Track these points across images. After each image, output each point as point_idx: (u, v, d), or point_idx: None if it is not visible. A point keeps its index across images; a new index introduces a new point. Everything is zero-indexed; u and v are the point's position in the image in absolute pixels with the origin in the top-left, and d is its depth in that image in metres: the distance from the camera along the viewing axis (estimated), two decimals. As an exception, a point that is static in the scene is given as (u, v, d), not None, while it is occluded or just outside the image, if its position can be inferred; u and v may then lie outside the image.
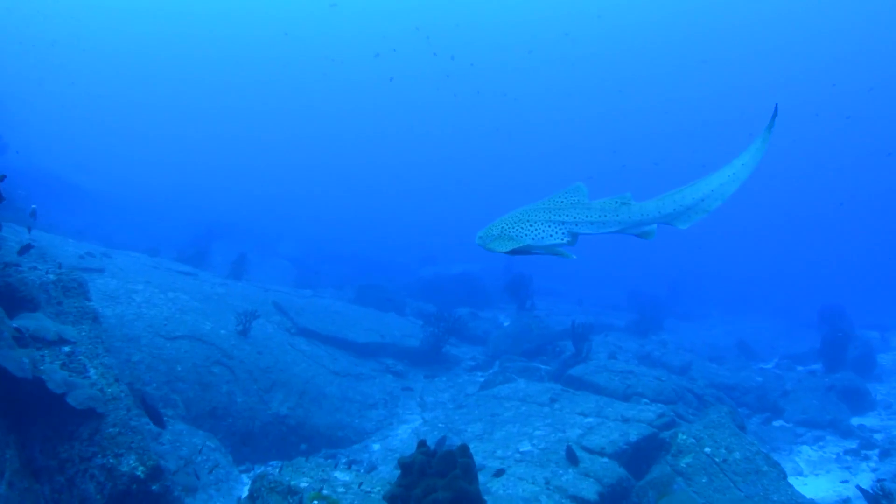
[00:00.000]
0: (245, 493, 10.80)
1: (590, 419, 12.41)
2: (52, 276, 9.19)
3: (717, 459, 10.60)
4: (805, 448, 15.55)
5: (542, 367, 18.31)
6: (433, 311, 22.04)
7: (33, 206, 13.69)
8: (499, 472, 10.24)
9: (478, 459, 11.16)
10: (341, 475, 7.39)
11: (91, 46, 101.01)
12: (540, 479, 9.85)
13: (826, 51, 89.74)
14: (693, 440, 11.02)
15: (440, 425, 13.38)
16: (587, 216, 5.67)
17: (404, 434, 13.71)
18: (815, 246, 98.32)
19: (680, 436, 11.16)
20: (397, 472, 11.44)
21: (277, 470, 7.46)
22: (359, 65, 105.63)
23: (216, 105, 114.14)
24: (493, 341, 20.60)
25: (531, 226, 5.66)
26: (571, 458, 10.32)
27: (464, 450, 6.41)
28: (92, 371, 7.90)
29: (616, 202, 5.65)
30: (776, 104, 5.23)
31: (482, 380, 17.29)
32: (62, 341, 8.05)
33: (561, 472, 10.12)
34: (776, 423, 17.24)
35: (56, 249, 15.70)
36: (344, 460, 12.56)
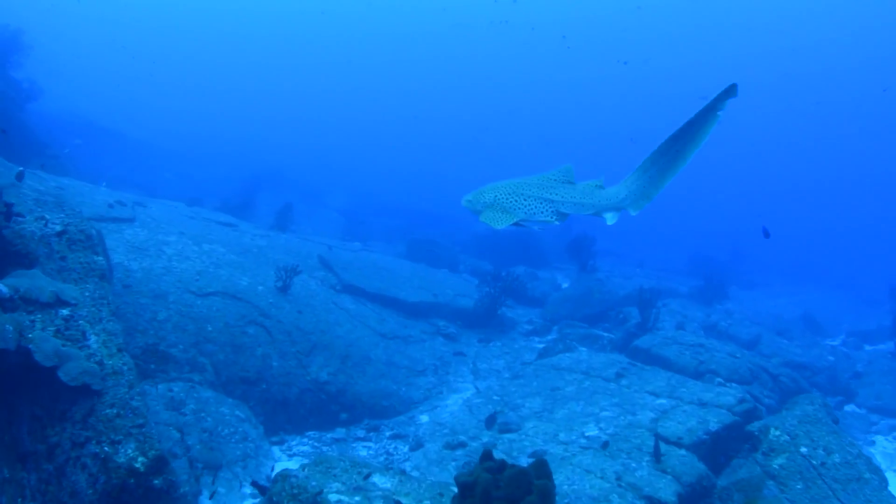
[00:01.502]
0: (273, 470, 9.73)
1: (662, 400, 11.07)
2: (56, 227, 7.99)
3: (814, 462, 9.11)
4: (879, 438, 14.04)
5: (605, 334, 16.96)
6: (489, 270, 20.78)
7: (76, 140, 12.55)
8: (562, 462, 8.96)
9: (538, 443, 9.92)
10: (381, 480, 6.04)
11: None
12: (610, 474, 8.52)
13: None
14: (787, 437, 9.54)
15: (494, 397, 12.09)
16: (572, 197, 5.83)
17: (455, 405, 12.47)
18: (884, 216, 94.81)
19: (772, 431, 9.67)
20: (447, 454, 10.36)
21: (301, 469, 6.15)
22: (414, 13, 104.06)
23: (266, 57, 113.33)
24: (551, 304, 19.21)
25: (525, 201, 5.78)
26: (657, 455, 8.90)
27: (541, 467, 5.02)
28: (92, 339, 6.70)
29: (593, 186, 5.87)
30: (735, 84, 4.95)
31: (540, 346, 16.00)
32: (60, 303, 6.86)
33: (634, 465, 8.78)
34: (848, 409, 15.70)
35: (83, 197, 14.63)
36: (388, 433, 11.41)
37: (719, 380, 13.25)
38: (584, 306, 18.66)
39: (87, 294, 7.24)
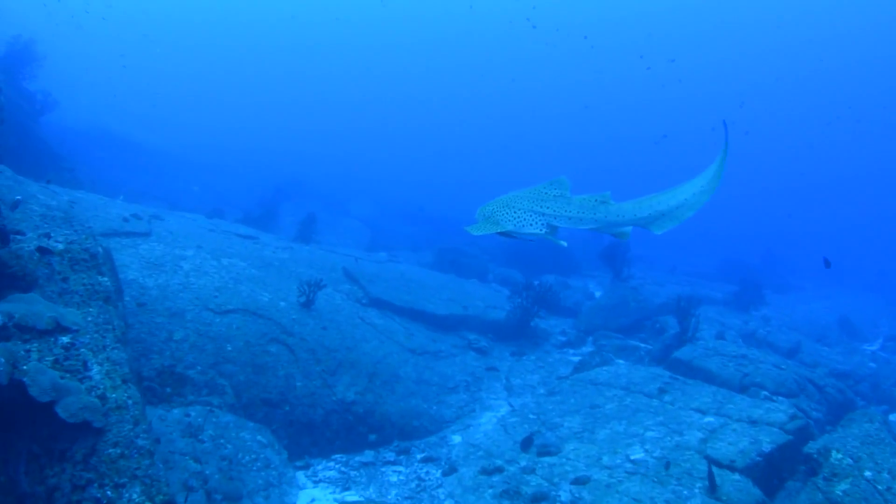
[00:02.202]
0: (297, 499, 9.12)
1: (709, 418, 10.35)
2: (59, 246, 7.38)
3: (879, 487, 8.29)
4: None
5: (642, 345, 16.27)
6: (519, 279, 20.12)
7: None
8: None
9: (580, 467, 9.23)
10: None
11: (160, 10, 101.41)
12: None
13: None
14: (850, 461, 8.71)
15: (530, 416, 11.41)
16: (566, 211, 5.71)
17: (489, 424, 11.81)
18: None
19: (834, 454, 8.85)
20: (483, 480, 9.68)
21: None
22: (436, 17, 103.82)
23: (291, 67, 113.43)
24: (585, 314, 18.51)
25: (514, 213, 5.70)
26: (711, 484, 8.16)
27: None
28: (94, 369, 6.08)
29: (595, 200, 5.69)
30: (724, 120, 5.17)
31: (575, 359, 15.32)
32: (60, 329, 6.24)
33: (686, 492, 8.09)
34: (892, 418, 14.86)
35: (97, 211, 14.09)
36: (419, 456, 10.79)
37: (765, 393, 12.49)
38: (619, 316, 17.95)
39: (90, 319, 6.63)
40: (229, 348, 10.76)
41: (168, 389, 9.80)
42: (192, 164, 48.27)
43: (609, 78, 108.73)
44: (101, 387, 5.95)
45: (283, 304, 12.61)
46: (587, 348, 16.44)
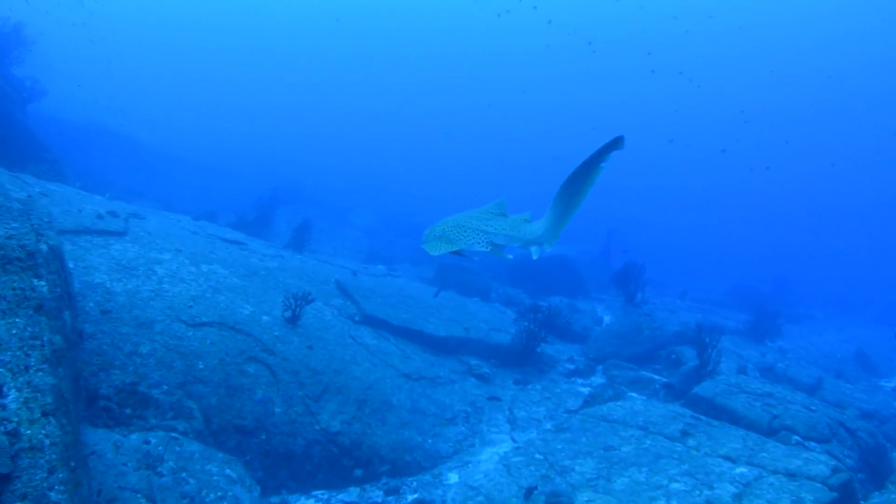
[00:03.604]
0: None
1: (741, 468, 9.10)
2: (-10, 240, 6.13)
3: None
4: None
5: (656, 377, 14.98)
6: (525, 300, 18.89)
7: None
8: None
9: (596, 526, 7.99)
10: None
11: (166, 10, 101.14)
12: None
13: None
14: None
15: (537, 455, 10.12)
16: (503, 229, 5.90)
17: (489, 462, 10.53)
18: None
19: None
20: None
21: None
22: (446, 29, 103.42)
23: (297, 72, 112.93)
24: (595, 341, 17.21)
25: (465, 232, 5.92)
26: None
27: None
28: (11, 395, 4.84)
29: (520, 220, 5.92)
30: (621, 136, 4.76)
31: (584, 390, 14.08)
32: (-29, 344, 5.01)
33: (723, 565, 6.84)
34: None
35: (69, 206, 12.87)
36: (410, 497, 9.50)
37: (797, 438, 11.22)
38: (631, 344, 16.67)
39: (14, 332, 5.37)
40: (201, 366, 9.50)
41: (128, 411, 8.54)
42: (191, 164, 47.20)
43: (613, 81, 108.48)
44: (15, 419, 4.71)
45: (265, 318, 11.34)
46: (597, 378, 15.18)
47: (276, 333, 10.98)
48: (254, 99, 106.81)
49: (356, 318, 13.91)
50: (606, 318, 21.59)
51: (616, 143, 4.78)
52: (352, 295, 14.91)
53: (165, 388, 8.97)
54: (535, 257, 5.88)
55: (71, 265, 10.33)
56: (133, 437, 8.08)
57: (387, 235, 36.66)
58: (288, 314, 11.63)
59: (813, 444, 11.02)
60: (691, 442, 10.13)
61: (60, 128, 34.51)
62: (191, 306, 10.65)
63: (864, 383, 19.17)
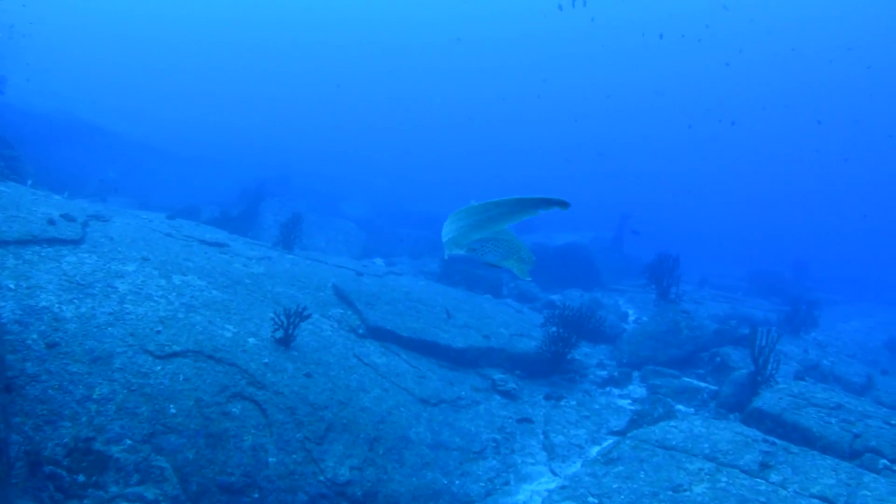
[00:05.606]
0: None
1: (841, 515, 7.33)
2: None
3: None
4: None
5: (702, 385, 13.16)
6: (543, 297, 17.04)
7: None
8: None
9: None
10: None
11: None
12: None
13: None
14: None
15: (590, 499, 8.23)
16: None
17: (529, 506, 8.67)
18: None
19: None
20: None
21: None
22: (434, 14, 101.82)
23: (280, 59, 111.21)
24: (627, 342, 15.25)
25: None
26: None
27: None
28: None
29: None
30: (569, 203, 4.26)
31: (623, 402, 12.34)
32: None
33: None
34: None
35: (18, 210, 10.74)
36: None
37: (884, 462, 9.37)
38: (668, 346, 14.74)
39: None
40: (173, 410, 7.48)
41: (81, 478, 6.55)
42: (176, 156, 45.19)
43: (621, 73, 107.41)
44: None
45: (252, 341, 9.32)
46: (635, 388, 13.30)
47: (266, 360, 8.98)
48: (241, 87, 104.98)
49: (360, 331, 11.91)
50: (631, 314, 19.76)
51: (561, 204, 4.40)
52: (353, 303, 12.91)
53: (129, 442, 6.98)
54: (445, 257, 5.75)
55: (11, 285, 8.38)
56: (84, 515, 6.15)
57: (383, 226, 34.71)
58: (279, 334, 9.64)
59: (904, 468, 9.26)
60: (774, 477, 8.27)
61: (31, 121, 32.61)
62: (159, 332, 8.62)
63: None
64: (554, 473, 9.67)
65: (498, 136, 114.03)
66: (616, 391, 13.07)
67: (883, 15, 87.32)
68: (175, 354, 8.28)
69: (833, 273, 45.58)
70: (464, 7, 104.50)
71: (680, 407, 12.06)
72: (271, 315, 10.19)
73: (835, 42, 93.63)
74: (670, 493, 8.08)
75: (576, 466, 9.78)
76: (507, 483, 9.39)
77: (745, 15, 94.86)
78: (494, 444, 10.13)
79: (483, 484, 9.20)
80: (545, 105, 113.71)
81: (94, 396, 7.25)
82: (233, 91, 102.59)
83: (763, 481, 8.18)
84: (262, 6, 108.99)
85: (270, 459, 7.64)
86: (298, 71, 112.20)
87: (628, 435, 10.05)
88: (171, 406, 7.52)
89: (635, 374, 14.03)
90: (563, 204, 4.41)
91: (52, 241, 10.20)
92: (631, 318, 19.28)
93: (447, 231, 5.22)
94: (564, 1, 47.76)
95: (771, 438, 9.50)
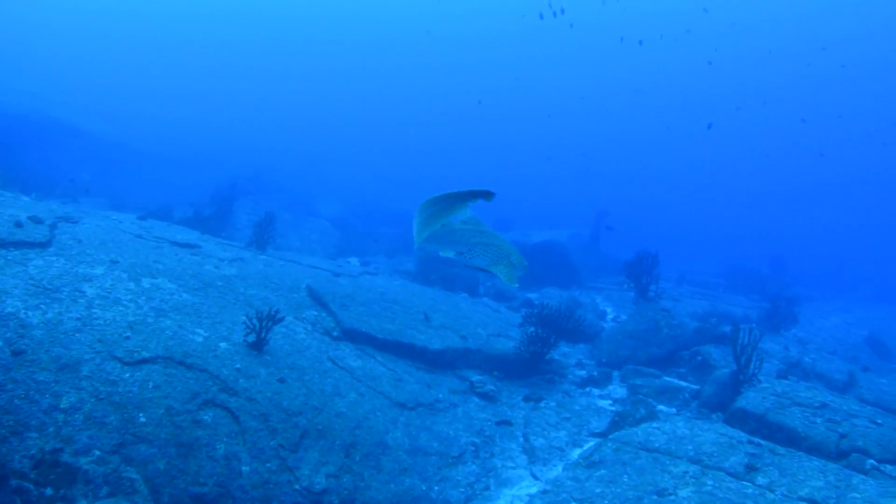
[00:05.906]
0: None
1: (831, 519, 7.23)
2: None
3: None
4: None
5: (683, 384, 13.05)
6: (521, 296, 16.92)
7: None
8: None
9: None
10: None
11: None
12: None
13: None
14: None
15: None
16: None
17: (510, 511, 8.52)
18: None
19: None
20: None
21: None
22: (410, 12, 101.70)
23: (254, 57, 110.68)
24: (606, 342, 15.13)
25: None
26: None
27: None
28: None
29: None
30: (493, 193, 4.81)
31: (604, 402, 12.22)
32: None
33: None
34: None
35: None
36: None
37: (871, 462, 9.28)
38: (648, 345, 14.64)
39: None
40: (143, 419, 7.26)
41: (48, 491, 6.32)
42: (152, 156, 44.66)
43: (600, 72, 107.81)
44: None
45: (223, 346, 9.10)
46: (616, 388, 13.20)
47: (238, 366, 8.76)
48: (218, 85, 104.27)
49: (334, 334, 11.69)
50: (609, 312, 19.70)
51: (486, 195, 4.89)
52: (327, 304, 12.70)
53: (97, 453, 6.75)
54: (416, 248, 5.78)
55: (-24, 290, 8.14)
56: (50, 530, 5.94)
57: (357, 224, 34.53)
58: (252, 338, 9.42)
59: (888, 466, 9.18)
60: (761, 480, 8.14)
61: (2, 120, 32.18)
62: (128, 337, 8.39)
63: (894, 374, 17.49)
64: (535, 477, 9.52)
65: (478, 134, 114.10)
66: (596, 391, 12.96)
67: (854, 15, 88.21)
68: (144, 361, 8.05)
69: (809, 269, 45.89)
70: (439, 4, 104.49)
71: (661, 407, 11.97)
72: (243, 318, 9.97)
73: (810, 42, 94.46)
74: (655, 497, 7.95)
75: (557, 470, 9.63)
76: (487, 488, 9.23)
77: (725, 17, 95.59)
78: (473, 448, 9.97)
79: (463, 489, 9.04)
80: (525, 104, 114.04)
81: (62, 406, 7.02)
82: (210, 90, 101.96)
83: (750, 484, 8.06)
84: (236, 5, 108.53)
85: (244, 468, 7.44)
86: (274, 69, 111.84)
87: (610, 437, 9.90)
88: (141, 415, 7.30)
89: (615, 373, 13.93)
90: (488, 194, 4.80)
91: (18, 245, 9.95)
92: (609, 317, 19.22)
93: (415, 227, 5.40)
94: (545, 10, 48.13)
95: (756, 439, 9.39)
